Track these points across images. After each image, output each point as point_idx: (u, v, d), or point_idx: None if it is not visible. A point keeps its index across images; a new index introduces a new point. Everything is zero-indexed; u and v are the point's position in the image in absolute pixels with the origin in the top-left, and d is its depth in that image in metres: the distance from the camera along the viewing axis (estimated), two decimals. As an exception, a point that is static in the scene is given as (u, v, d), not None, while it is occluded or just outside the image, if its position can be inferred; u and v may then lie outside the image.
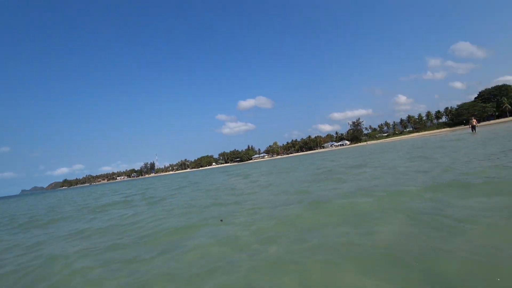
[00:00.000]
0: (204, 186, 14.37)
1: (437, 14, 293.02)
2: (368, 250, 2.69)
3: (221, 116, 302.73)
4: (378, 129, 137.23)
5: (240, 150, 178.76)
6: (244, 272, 2.68)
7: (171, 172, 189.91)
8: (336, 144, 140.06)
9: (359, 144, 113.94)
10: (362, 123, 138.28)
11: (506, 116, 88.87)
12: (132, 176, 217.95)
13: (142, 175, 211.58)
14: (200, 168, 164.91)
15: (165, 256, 3.53)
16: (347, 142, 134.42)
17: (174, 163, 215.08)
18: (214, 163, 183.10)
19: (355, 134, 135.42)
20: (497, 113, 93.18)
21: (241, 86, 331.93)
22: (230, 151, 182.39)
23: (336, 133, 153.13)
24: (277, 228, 3.99)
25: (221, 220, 4.98)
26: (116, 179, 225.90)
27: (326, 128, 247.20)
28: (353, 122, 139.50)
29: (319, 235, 3.40)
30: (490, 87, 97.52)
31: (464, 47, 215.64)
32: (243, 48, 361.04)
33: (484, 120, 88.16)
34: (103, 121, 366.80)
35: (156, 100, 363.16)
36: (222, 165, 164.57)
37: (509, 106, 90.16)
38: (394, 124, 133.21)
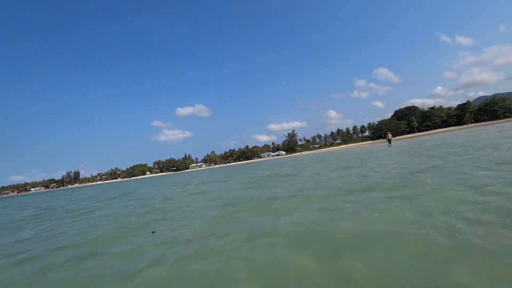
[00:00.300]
0: (137, 196, 13.74)
1: (363, 41, 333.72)
2: (287, 233, 3.53)
3: (157, 123, 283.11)
4: (311, 140, 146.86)
5: (176, 159, 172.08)
6: (173, 264, 2.95)
7: (99, 182, 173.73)
8: (272, 154, 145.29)
9: (294, 154, 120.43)
10: (297, 134, 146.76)
11: (414, 132, 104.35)
12: (51, 187, 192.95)
13: (63, 186, 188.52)
14: (133, 178, 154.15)
15: (89, 262, 3.49)
16: (283, 152, 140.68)
17: (103, 172, 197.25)
18: (148, 172, 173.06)
19: (291, 144, 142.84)
20: (408, 129, 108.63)
21: (179, 92, 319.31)
22: (166, 160, 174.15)
23: (273, 143, 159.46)
24: (209, 228, 4.41)
25: (153, 232, 4.77)
26: (30, 190, 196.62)
27: (263, 139, 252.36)
28: (289, 134, 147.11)
29: (248, 228, 4.00)
30: (402, 107, 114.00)
31: (384, 72, 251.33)
32: (182, 53, 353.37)
33: (398, 135, 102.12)
34: (14, 121, 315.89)
35: (82, 102, 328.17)
36: (157, 174, 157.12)
37: (416, 124, 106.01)
38: (326, 136, 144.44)
